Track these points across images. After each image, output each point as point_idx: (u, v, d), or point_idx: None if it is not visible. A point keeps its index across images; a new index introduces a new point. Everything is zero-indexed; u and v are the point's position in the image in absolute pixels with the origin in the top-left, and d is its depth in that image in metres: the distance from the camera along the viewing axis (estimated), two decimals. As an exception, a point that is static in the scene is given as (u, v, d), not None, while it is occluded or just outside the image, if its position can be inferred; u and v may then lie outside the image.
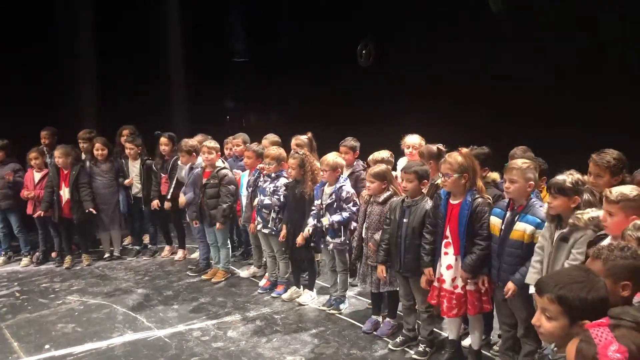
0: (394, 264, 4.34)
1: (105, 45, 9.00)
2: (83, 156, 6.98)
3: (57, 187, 6.60)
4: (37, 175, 6.76)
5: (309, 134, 5.93)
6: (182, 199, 6.40)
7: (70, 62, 8.91)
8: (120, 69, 8.97)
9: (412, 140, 5.29)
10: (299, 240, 5.18)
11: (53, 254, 7.00)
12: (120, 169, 7.03)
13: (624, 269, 2.16)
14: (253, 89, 10.67)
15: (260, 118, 10.65)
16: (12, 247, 7.13)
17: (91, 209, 6.62)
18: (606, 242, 2.77)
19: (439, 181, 4.25)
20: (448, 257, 3.97)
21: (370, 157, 5.15)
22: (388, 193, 4.53)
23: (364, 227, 4.65)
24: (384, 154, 5.14)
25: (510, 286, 3.59)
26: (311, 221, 5.10)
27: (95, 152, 6.83)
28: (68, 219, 6.70)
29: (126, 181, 7.00)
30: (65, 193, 6.61)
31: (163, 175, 6.79)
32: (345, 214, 4.91)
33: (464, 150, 4.00)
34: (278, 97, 9.90)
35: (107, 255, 7.10)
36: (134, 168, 6.98)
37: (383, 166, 4.66)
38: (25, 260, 6.95)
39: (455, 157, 3.88)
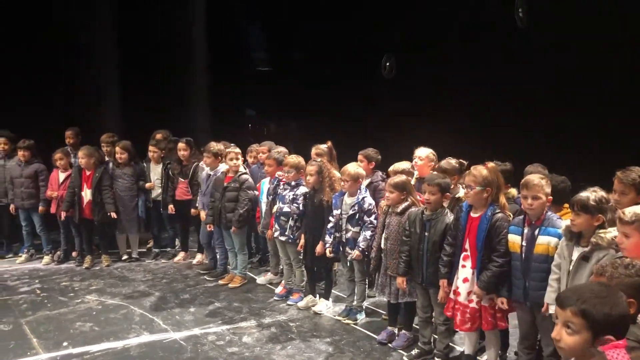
0: (416, 276, 4.32)
1: (129, 50, 9.14)
2: (106, 158, 7.07)
3: (78, 187, 6.69)
4: (62, 176, 6.87)
5: (329, 143, 5.95)
6: (203, 213, 6.43)
7: (95, 67, 9.08)
8: (144, 74, 9.10)
9: (421, 152, 5.29)
10: (319, 249, 5.19)
11: (74, 254, 7.08)
12: (141, 173, 7.10)
13: (628, 287, 2.15)
14: (275, 98, 10.75)
15: (282, 126, 10.71)
16: (34, 245, 7.23)
17: (112, 213, 6.71)
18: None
19: (460, 194, 4.24)
20: (465, 270, 3.95)
21: (391, 168, 5.13)
22: (406, 203, 4.52)
23: (382, 238, 4.64)
24: (405, 165, 5.12)
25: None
26: (328, 239, 5.11)
27: (116, 156, 6.91)
28: (89, 219, 6.79)
29: (147, 185, 7.07)
30: (87, 194, 6.70)
31: (182, 180, 6.84)
32: (369, 233, 4.87)
33: (491, 164, 3.95)
34: (299, 105, 9.96)
35: (125, 257, 7.17)
36: (156, 172, 7.06)
37: (403, 177, 4.64)
38: (46, 259, 7.05)
39: (481, 170, 3.86)
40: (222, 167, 6.27)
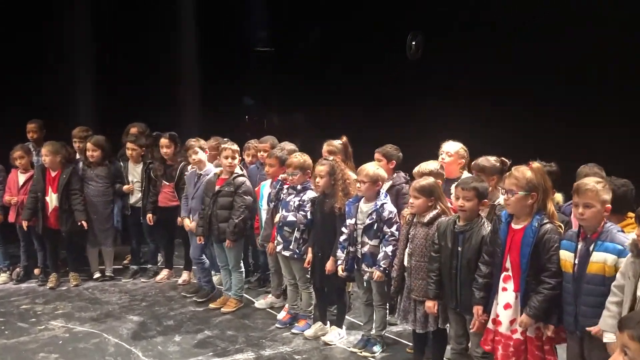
0: (449, 300, 4.30)
1: (107, 30, 9.17)
2: (77, 157, 7.10)
3: (42, 192, 6.70)
4: (22, 178, 6.90)
5: (344, 139, 5.94)
6: (188, 222, 6.43)
7: (66, 48, 9.12)
8: (124, 57, 9.14)
9: (449, 146, 5.29)
10: (329, 266, 5.17)
11: (36, 271, 7.11)
12: (118, 174, 7.09)
13: None
14: (277, 84, 10.74)
15: (285, 119, 10.69)
16: (-12, 261, 7.27)
17: (83, 222, 6.71)
18: None
19: (500, 200, 4.20)
20: (507, 294, 3.91)
21: (416, 169, 5.09)
22: (435, 212, 4.49)
23: (406, 254, 4.61)
24: (433, 165, 5.09)
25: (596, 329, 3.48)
26: (340, 254, 5.09)
27: (87, 154, 6.92)
28: (54, 230, 6.81)
29: (125, 187, 7.05)
30: (52, 199, 6.72)
31: (167, 183, 6.85)
32: (390, 248, 4.84)
33: (535, 164, 3.90)
34: (306, 93, 9.93)
35: (97, 275, 7.17)
36: (135, 173, 7.06)
37: (431, 179, 4.62)
38: (3, 277, 7.08)
39: (524, 171, 3.83)
40: (211, 167, 6.26)
